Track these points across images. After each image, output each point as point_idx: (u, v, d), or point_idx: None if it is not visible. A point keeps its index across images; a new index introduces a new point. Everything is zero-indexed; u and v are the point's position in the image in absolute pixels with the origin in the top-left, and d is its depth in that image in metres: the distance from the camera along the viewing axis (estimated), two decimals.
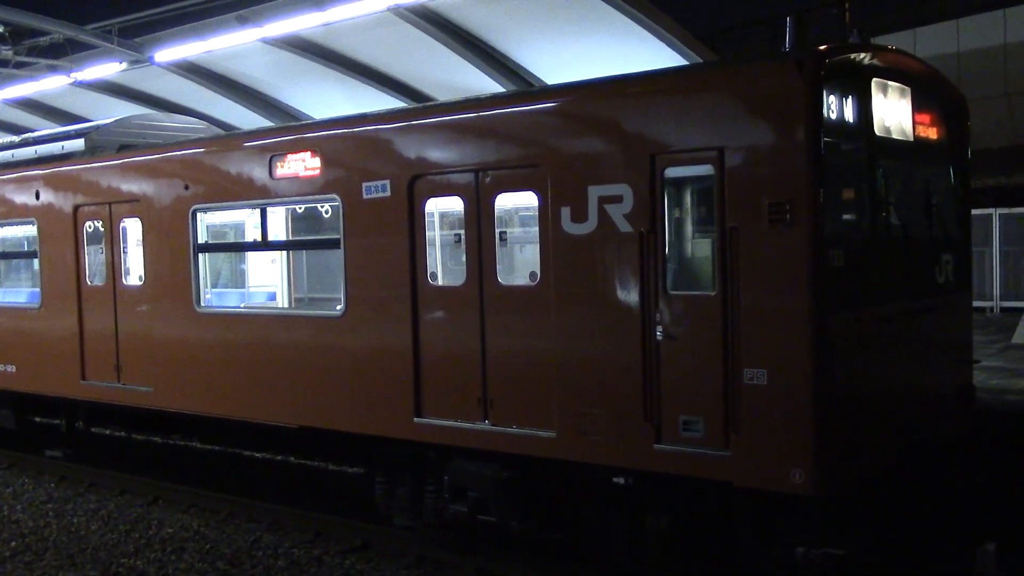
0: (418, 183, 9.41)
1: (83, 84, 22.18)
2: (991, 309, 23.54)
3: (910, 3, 27.03)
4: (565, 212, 8.36)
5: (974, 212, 12.45)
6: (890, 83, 8.28)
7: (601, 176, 8.14)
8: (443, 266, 9.90)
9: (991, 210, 23.63)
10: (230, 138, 12.69)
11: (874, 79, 8.07)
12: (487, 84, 17.42)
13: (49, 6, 20.49)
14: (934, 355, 8.80)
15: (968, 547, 8.21)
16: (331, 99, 19.89)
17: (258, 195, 10.90)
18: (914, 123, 8.64)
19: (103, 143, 13.73)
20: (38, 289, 13.94)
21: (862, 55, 8.17)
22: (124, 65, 20.20)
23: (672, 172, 7.88)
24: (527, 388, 8.71)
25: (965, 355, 9.44)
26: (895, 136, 8.36)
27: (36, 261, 13.99)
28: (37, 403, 14.47)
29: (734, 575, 8.27)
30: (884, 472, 8.01)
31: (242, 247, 13.03)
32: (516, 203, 9.65)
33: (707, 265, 7.85)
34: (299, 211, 11.48)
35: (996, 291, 23.63)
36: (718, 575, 8.36)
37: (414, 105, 16.25)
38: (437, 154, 9.29)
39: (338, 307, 10.23)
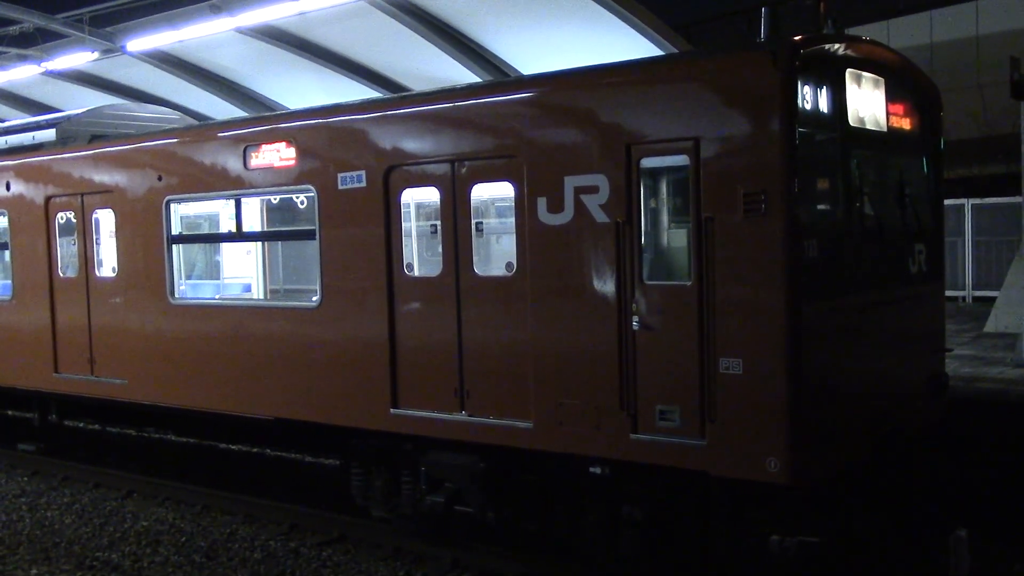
0: (394, 173, 9.37)
1: (54, 74, 21.98)
2: (964, 298, 23.77)
3: None
4: (541, 202, 8.35)
5: (947, 202, 12.54)
6: (864, 74, 8.31)
7: (577, 166, 8.13)
8: (419, 257, 9.86)
9: (964, 200, 23.85)
10: (204, 128, 12.58)
11: (848, 70, 8.10)
12: (462, 74, 17.39)
13: None
14: (907, 344, 8.87)
15: (940, 534, 8.28)
16: (306, 89, 19.80)
17: (232, 186, 10.82)
18: (888, 114, 8.68)
19: (75, 133, 13.58)
20: (9, 281, 13.79)
21: (836, 46, 8.19)
22: (96, 54, 20.03)
23: (648, 162, 7.88)
24: (504, 379, 8.70)
25: (938, 344, 9.52)
26: (869, 126, 8.40)
27: (7, 253, 13.85)
28: (9, 396, 14.33)
29: (710, 563, 8.31)
30: (859, 462, 8.07)
31: (216, 238, 12.93)
32: (492, 193, 9.63)
33: (683, 255, 7.87)
34: (274, 202, 11.40)
35: (968, 280, 23.87)
36: (694, 564, 8.40)
37: (390, 95, 16.18)
38: (413, 144, 9.25)
39: (314, 298, 10.18)
